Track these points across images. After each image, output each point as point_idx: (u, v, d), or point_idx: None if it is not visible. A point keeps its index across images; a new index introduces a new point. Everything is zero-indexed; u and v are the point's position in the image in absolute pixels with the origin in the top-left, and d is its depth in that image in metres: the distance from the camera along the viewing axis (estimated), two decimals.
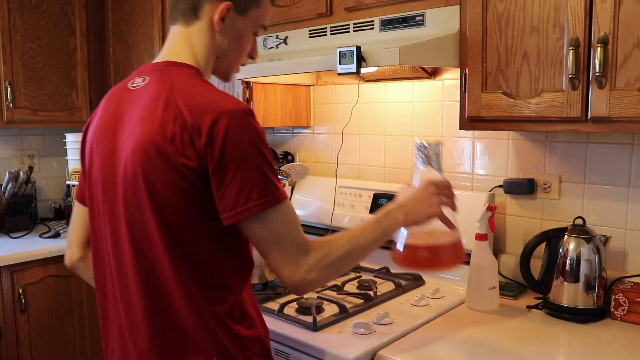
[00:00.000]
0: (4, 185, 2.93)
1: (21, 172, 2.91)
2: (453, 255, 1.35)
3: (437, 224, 1.29)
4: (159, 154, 1.02)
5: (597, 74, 1.35)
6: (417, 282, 1.93)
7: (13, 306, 2.49)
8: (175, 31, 1.19)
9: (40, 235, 2.84)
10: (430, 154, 1.33)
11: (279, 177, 2.02)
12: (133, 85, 1.15)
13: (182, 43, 1.17)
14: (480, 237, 1.70)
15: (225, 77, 1.27)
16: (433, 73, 2.06)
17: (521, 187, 1.89)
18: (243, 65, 1.28)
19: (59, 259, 2.59)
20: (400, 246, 1.32)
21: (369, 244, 1.17)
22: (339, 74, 1.60)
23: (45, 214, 3.21)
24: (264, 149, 1.03)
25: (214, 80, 1.25)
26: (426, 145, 1.33)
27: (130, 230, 1.09)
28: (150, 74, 1.13)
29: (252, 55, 1.28)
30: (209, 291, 1.10)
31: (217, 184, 1.02)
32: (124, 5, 2.90)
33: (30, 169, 2.96)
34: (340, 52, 1.58)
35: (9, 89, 2.79)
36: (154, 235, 1.06)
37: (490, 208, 1.72)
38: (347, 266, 1.17)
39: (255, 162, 1.02)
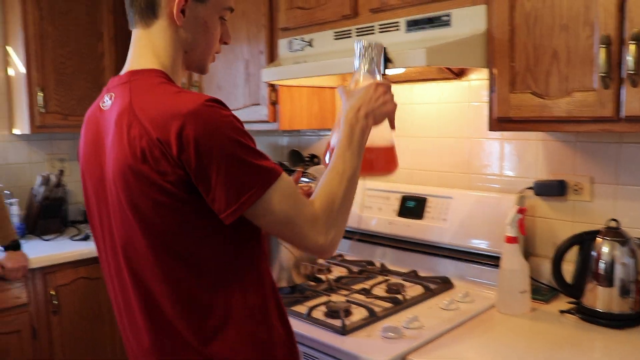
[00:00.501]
0: (35, 188, 2.99)
1: (52, 176, 2.97)
2: (392, 159, 1.36)
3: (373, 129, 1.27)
4: (136, 177, 1.00)
5: (630, 72, 1.32)
6: (446, 285, 1.90)
7: (46, 307, 2.54)
8: (136, 35, 1.14)
9: (71, 238, 2.88)
10: (374, 55, 1.33)
11: (306, 180, 2.02)
12: (103, 104, 1.12)
13: (144, 47, 1.13)
14: (510, 240, 1.67)
15: (201, 69, 1.21)
16: (459, 74, 2.04)
17: (551, 189, 1.85)
18: (218, 53, 1.21)
19: (89, 261, 2.64)
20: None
21: (355, 167, 1.17)
22: None
23: (75, 217, 3.27)
24: (238, 135, 0.99)
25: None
26: (371, 45, 1.32)
27: (126, 258, 1.08)
28: (115, 90, 1.10)
29: (226, 41, 1.21)
30: (216, 299, 1.07)
31: (204, 189, 0.99)
32: None
33: (61, 172, 3.01)
34: None
35: (40, 94, 2.84)
36: (149, 259, 1.05)
37: (521, 210, 1.69)
38: (352, 200, 1.16)
39: (235, 155, 0.98)
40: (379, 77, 1.33)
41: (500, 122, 1.61)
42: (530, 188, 1.91)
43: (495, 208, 1.90)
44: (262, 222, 1.05)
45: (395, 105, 1.29)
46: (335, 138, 1.32)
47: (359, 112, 1.22)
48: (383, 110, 1.26)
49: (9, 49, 3.03)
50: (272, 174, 1.02)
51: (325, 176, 1.15)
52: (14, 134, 3.12)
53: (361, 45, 1.33)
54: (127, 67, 1.13)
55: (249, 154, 1.00)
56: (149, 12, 1.11)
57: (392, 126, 1.33)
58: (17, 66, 2.95)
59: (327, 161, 1.33)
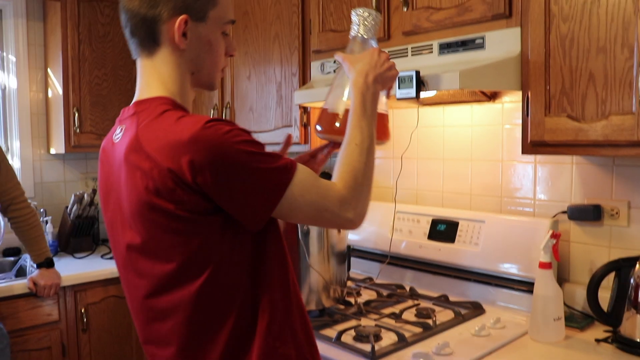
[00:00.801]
0: (69, 207, 3.04)
1: (85, 195, 3.02)
2: (386, 128, 1.35)
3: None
4: (153, 212, 1.00)
5: None
6: (478, 310, 1.87)
7: (76, 325, 2.56)
8: (141, 65, 1.14)
9: (101, 256, 2.92)
10: (373, 23, 1.33)
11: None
12: (115, 137, 1.11)
13: (149, 76, 1.12)
14: (544, 265, 1.63)
15: (210, 87, 1.19)
16: (492, 96, 2.02)
17: (587, 214, 1.81)
18: (225, 67, 1.20)
19: (119, 280, 2.65)
20: (340, 113, 1.31)
21: (372, 134, 1.17)
22: (398, 99, 1.58)
23: (106, 235, 3.29)
24: (245, 146, 0.98)
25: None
26: (371, 14, 1.32)
27: (145, 282, 1.09)
28: (126, 122, 1.10)
29: (231, 54, 1.19)
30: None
31: (228, 206, 1.00)
32: None
33: (94, 191, 3.06)
34: (399, 77, 1.57)
35: (76, 114, 2.91)
36: (171, 288, 1.05)
37: (555, 235, 1.66)
38: (373, 167, 1.16)
39: (248, 165, 0.98)
40: (375, 44, 1.34)
41: (534, 146, 1.59)
42: (564, 212, 1.87)
43: (528, 233, 1.86)
44: (293, 217, 1.06)
45: (397, 72, 1.30)
46: (331, 101, 1.33)
47: (368, 78, 1.22)
48: (389, 75, 1.26)
49: (49, 71, 3.12)
50: (288, 171, 1.02)
51: (345, 150, 1.15)
52: (50, 153, 3.20)
53: (359, 13, 1.33)
54: (136, 97, 1.13)
55: (261, 159, 1.00)
56: (151, 41, 1.10)
57: (388, 95, 1.35)
58: (56, 88, 3.03)
59: (318, 129, 1.35)
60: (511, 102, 2.01)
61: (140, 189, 1.00)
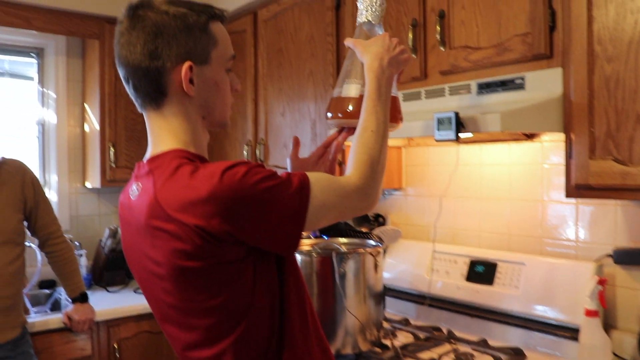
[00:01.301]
0: (104, 240, 3.07)
1: (119, 229, 3.04)
2: (399, 111, 1.33)
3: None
4: (187, 273, 0.99)
5: None
6: (518, 356, 1.80)
7: None
8: (149, 118, 1.11)
9: (134, 291, 2.93)
10: (380, 9, 1.33)
11: (373, 243, 1.99)
12: (132, 193, 1.09)
13: (159, 129, 1.09)
14: (590, 313, 1.57)
15: (223, 125, 1.17)
16: (531, 135, 1.98)
17: (634, 257, 1.74)
18: (232, 105, 1.18)
19: (152, 315, 2.65)
20: (352, 97, 1.29)
21: (386, 119, 1.18)
22: (437, 141, 1.56)
23: None
24: (262, 183, 0.96)
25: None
26: (381, 1, 1.33)
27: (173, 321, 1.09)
28: (142, 180, 1.07)
29: (236, 89, 1.17)
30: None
31: (260, 242, 1.00)
32: None
33: None
34: (438, 118, 1.55)
35: (112, 149, 2.96)
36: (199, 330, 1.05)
37: (601, 281, 1.60)
38: (387, 152, 1.18)
39: (270, 202, 0.97)
40: (381, 30, 1.34)
41: (578, 189, 1.54)
42: (609, 256, 1.80)
43: (571, 276, 1.80)
44: (319, 225, 1.07)
45: (409, 56, 1.29)
46: (343, 85, 1.31)
47: (383, 61, 1.21)
48: (402, 58, 1.25)
49: (87, 106, 3.18)
50: (304, 189, 1.01)
51: (360, 137, 1.15)
52: (85, 187, 3.24)
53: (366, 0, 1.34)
54: (148, 152, 1.11)
55: (279, 190, 0.99)
56: (157, 93, 1.07)
57: (399, 78, 1.34)
58: (93, 123, 3.09)
59: (329, 115, 1.33)
60: (551, 141, 1.96)
61: (168, 253, 0.98)
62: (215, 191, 0.94)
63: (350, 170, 1.12)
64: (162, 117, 1.09)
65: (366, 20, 1.34)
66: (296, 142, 1.36)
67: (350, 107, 1.29)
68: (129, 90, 1.11)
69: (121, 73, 1.10)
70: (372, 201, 1.12)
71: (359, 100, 1.26)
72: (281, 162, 2.54)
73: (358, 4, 1.35)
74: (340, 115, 1.31)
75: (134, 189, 1.08)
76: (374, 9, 1.33)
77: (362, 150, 1.13)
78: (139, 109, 1.13)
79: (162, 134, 1.09)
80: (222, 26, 1.12)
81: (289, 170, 1.33)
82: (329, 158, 1.37)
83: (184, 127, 1.09)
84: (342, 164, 2.19)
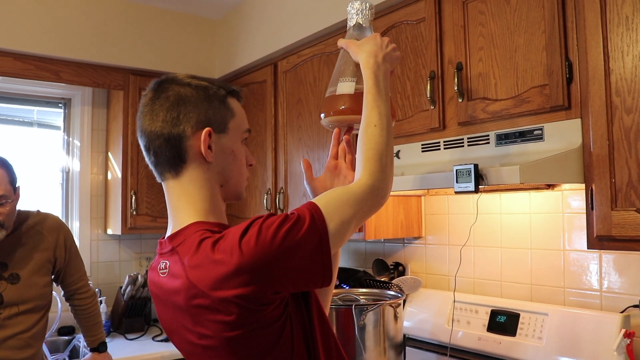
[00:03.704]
0: (123, 287, 3.08)
1: (139, 276, 3.05)
2: (394, 108, 1.33)
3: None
4: (235, 343, 0.99)
5: None
6: None
7: None
8: (168, 187, 1.12)
9: (153, 338, 2.92)
10: (369, 12, 1.37)
11: (392, 293, 1.97)
12: (161, 270, 1.09)
13: (179, 199, 1.11)
14: None
15: (238, 197, 1.19)
16: (551, 184, 1.98)
17: None
18: (248, 178, 1.20)
19: None
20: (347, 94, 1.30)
21: (388, 112, 1.20)
22: (457, 193, 1.56)
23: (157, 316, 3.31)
24: (278, 234, 0.97)
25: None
26: (366, 4, 1.36)
27: None
28: (168, 259, 1.07)
29: (250, 163, 1.20)
30: None
31: (296, 286, 1.02)
32: None
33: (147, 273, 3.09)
34: (457, 170, 1.56)
35: (133, 197, 3.00)
36: None
37: (628, 334, 1.57)
38: (392, 143, 1.19)
39: (292, 246, 0.97)
40: (371, 33, 1.37)
41: (600, 241, 1.53)
42: (635, 306, 1.77)
43: (596, 327, 1.77)
44: (348, 236, 1.08)
45: (400, 54, 1.32)
46: (338, 84, 1.32)
47: (378, 58, 1.23)
48: (395, 55, 1.28)
49: (110, 155, 3.25)
50: (316, 216, 1.01)
51: (365, 134, 1.16)
52: (107, 234, 3.28)
53: (356, 6, 1.37)
54: (170, 228, 1.12)
55: (295, 231, 0.98)
56: (177, 160, 1.09)
57: (391, 74, 1.35)
58: (115, 171, 3.15)
59: (323, 115, 1.35)
60: (571, 190, 1.96)
61: (213, 326, 0.99)
62: (241, 263, 0.95)
63: (360, 170, 1.14)
64: (180, 185, 1.11)
65: (357, 24, 1.37)
66: (307, 166, 1.38)
67: (347, 104, 1.31)
68: (149, 159, 1.13)
69: (142, 143, 1.13)
70: (385, 195, 1.15)
71: (354, 97, 1.29)
72: None
73: (349, 9, 1.39)
74: (337, 112, 1.32)
75: (161, 267, 1.10)
76: (364, 13, 1.37)
77: (368, 146, 1.15)
78: (158, 179, 1.15)
79: (181, 205, 1.10)
80: (238, 102, 1.18)
81: (309, 193, 1.35)
82: (345, 162, 1.38)
83: (202, 195, 1.10)
84: None
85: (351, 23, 1.39)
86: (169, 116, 1.08)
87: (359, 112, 1.23)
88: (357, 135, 1.22)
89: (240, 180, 1.17)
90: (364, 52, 1.25)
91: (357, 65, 1.29)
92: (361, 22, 1.37)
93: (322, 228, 1.01)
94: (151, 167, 1.14)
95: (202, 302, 0.99)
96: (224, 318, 0.97)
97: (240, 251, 0.96)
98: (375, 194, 1.12)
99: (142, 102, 1.13)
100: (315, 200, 1.06)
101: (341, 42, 1.34)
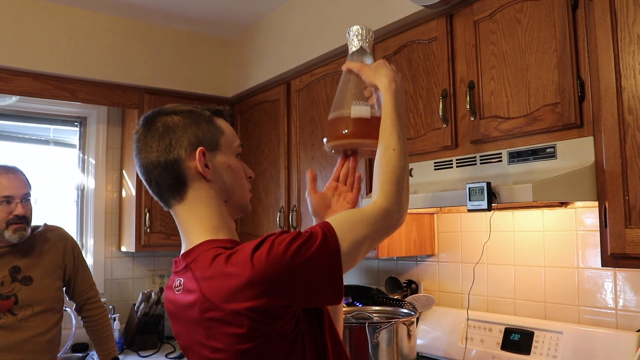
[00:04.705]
0: (137, 304, 3.09)
1: (153, 294, 3.07)
2: None
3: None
4: (250, 356, 1.00)
5: None
6: None
7: None
8: (176, 214, 1.15)
9: (166, 355, 2.92)
10: (369, 37, 1.38)
11: (406, 311, 1.97)
12: (177, 289, 1.11)
13: (187, 221, 1.13)
14: None
15: (245, 210, 1.22)
16: (564, 202, 1.98)
17: None
18: (250, 190, 1.22)
19: None
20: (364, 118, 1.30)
21: (405, 136, 1.23)
22: (469, 211, 1.57)
23: (170, 333, 3.32)
24: (290, 249, 0.99)
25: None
26: (366, 28, 1.37)
27: None
28: (182, 277, 1.10)
29: (250, 175, 1.23)
30: None
31: (308, 302, 1.03)
32: (251, 137, 3.11)
33: (161, 290, 3.11)
34: (469, 188, 1.56)
35: (147, 215, 3.02)
36: None
37: None
38: (408, 166, 1.22)
39: (304, 262, 0.99)
40: (372, 57, 1.39)
41: (615, 259, 1.52)
42: None
43: (612, 346, 1.75)
44: (360, 257, 1.09)
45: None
46: (355, 110, 1.31)
47: (397, 83, 1.26)
48: (404, 82, 1.32)
49: (124, 172, 3.29)
50: (328, 234, 1.03)
51: (383, 157, 1.19)
52: (120, 251, 3.31)
53: (357, 28, 1.38)
54: (183, 247, 1.15)
55: (307, 247, 1.00)
56: (179, 185, 1.12)
57: None
58: (130, 189, 3.18)
59: (327, 140, 1.36)
60: (584, 207, 1.95)
61: (225, 339, 1.01)
62: (253, 275, 0.97)
63: (376, 193, 1.16)
64: (187, 207, 1.13)
65: (359, 48, 1.38)
66: (312, 177, 1.39)
67: (365, 128, 1.31)
68: (152, 190, 1.16)
69: (143, 177, 1.16)
70: (400, 218, 1.16)
71: (370, 121, 1.30)
72: None
73: (350, 35, 1.39)
74: (352, 136, 1.31)
75: (176, 284, 1.12)
76: (368, 38, 1.39)
77: (385, 169, 1.18)
78: (165, 207, 1.17)
79: (191, 226, 1.13)
80: (225, 121, 1.21)
81: (309, 205, 1.37)
82: (346, 185, 1.39)
83: (210, 214, 1.13)
84: None
85: (353, 47, 1.40)
86: (161, 145, 1.12)
87: (371, 137, 1.26)
88: (363, 159, 1.24)
89: (243, 193, 1.20)
90: (384, 76, 1.27)
91: (367, 89, 1.31)
92: (365, 47, 1.39)
93: (335, 246, 1.03)
94: (156, 198, 1.17)
95: (215, 315, 1.01)
96: (235, 331, 0.99)
97: (252, 264, 0.98)
98: (390, 217, 1.14)
99: (135, 140, 1.17)
100: (329, 219, 1.08)
101: (351, 65, 1.35)
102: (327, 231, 1.04)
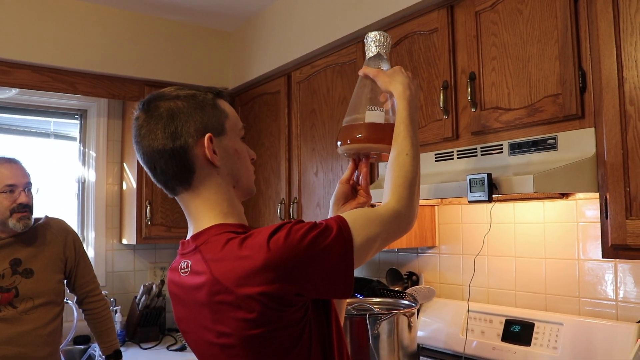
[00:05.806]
0: (138, 297, 3.10)
1: (154, 286, 3.08)
2: None
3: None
4: (258, 342, 1.00)
5: None
6: None
7: None
8: (183, 201, 1.14)
9: (167, 348, 2.93)
10: (387, 42, 1.39)
11: (406, 302, 1.97)
12: (182, 270, 1.11)
13: (196, 207, 1.12)
14: None
15: (250, 192, 1.21)
16: (565, 193, 1.97)
17: None
18: (254, 172, 1.22)
19: None
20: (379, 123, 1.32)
21: (418, 142, 1.25)
22: (470, 202, 1.57)
23: (172, 325, 3.34)
24: (306, 238, 0.99)
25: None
26: (384, 34, 1.38)
27: None
28: (190, 259, 1.09)
29: (252, 157, 1.22)
30: None
31: (318, 292, 1.04)
32: (252, 129, 3.10)
33: (162, 282, 3.12)
34: (470, 179, 1.56)
35: (148, 207, 3.03)
36: None
37: None
38: (420, 170, 1.24)
39: (318, 253, 1.00)
40: (388, 63, 1.40)
41: (615, 250, 1.52)
42: None
43: (612, 337, 1.76)
44: (370, 254, 1.10)
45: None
46: (369, 115, 1.33)
47: (412, 90, 1.28)
48: (419, 90, 1.34)
49: (125, 165, 3.29)
50: (343, 229, 1.04)
51: (395, 162, 1.20)
52: (122, 243, 3.31)
53: (375, 34, 1.39)
54: (191, 229, 1.14)
55: (322, 238, 1.01)
56: (186, 172, 1.10)
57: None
58: (130, 181, 3.18)
59: (339, 145, 1.36)
60: (585, 199, 1.95)
61: (235, 323, 1.01)
62: (268, 259, 0.97)
63: (388, 195, 1.17)
64: (195, 194, 1.12)
65: (376, 54, 1.39)
66: (353, 169, 1.40)
67: (378, 133, 1.32)
68: (156, 178, 1.14)
69: (146, 164, 1.13)
70: (410, 222, 1.17)
71: (384, 127, 1.31)
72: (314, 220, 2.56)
73: (368, 41, 1.40)
74: (365, 140, 1.32)
75: (182, 266, 1.11)
76: (384, 45, 1.39)
77: (398, 173, 1.19)
78: (170, 195, 1.16)
79: (200, 211, 1.12)
80: (226, 102, 1.20)
81: (335, 190, 1.37)
82: (358, 192, 1.39)
83: (219, 199, 1.12)
84: None
85: (370, 53, 1.40)
86: (167, 132, 1.09)
87: (384, 142, 1.28)
88: (374, 163, 1.25)
89: (249, 176, 1.20)
90: (399, 83, 1.29)
91: (382, 94, 1.33)
92: (382, 53, 1.39)
93: (349, 241, 1.04)
94: (160, 185, 1.15)
95: (225, 298, 1.00)
96: (245, 315, 0.99)
97: (268, 248, 0.98)
98: (401, 220, 1.15)
99: (135, 126, 1.13)
100: (343, 215, 1.08)
101: (367, 71, 1.36)
102: (342, 225, 1.05)
